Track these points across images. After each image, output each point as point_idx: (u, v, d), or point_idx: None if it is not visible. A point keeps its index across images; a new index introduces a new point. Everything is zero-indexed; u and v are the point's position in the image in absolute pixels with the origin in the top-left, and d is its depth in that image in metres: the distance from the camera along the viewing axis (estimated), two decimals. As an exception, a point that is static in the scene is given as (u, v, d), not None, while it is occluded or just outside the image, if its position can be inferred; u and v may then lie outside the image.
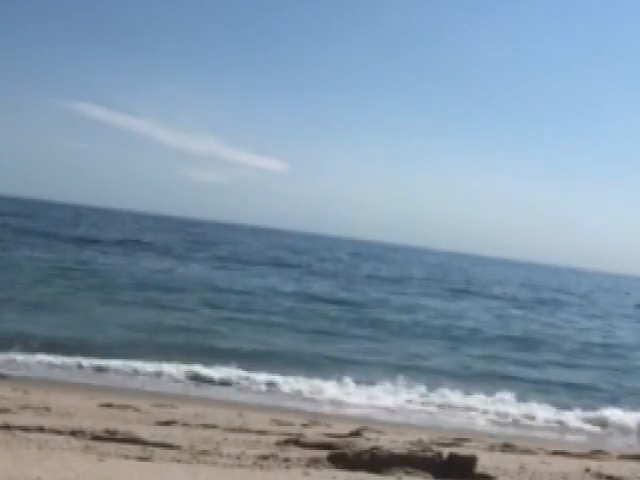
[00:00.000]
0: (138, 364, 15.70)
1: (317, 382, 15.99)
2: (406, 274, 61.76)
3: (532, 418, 15.62)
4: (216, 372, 15.91)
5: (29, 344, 15.75)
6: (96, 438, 6.47)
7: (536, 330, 32.40)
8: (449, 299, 42.75)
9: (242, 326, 23.02)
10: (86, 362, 15.33)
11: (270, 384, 15.62)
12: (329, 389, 15.75)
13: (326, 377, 16.32)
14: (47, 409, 9.10)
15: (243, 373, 16.01)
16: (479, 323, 32.13)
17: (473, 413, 15.52)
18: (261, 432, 8.48)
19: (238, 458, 6.07)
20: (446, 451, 6.09)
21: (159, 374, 15.44)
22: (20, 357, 15.10)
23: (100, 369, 15.23)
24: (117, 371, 15.28)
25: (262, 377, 15.88)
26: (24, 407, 9.04)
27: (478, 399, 16.24)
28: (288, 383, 15.73)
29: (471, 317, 34.37)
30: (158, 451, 6.10)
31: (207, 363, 16.22)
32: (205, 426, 8.66)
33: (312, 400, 15.04)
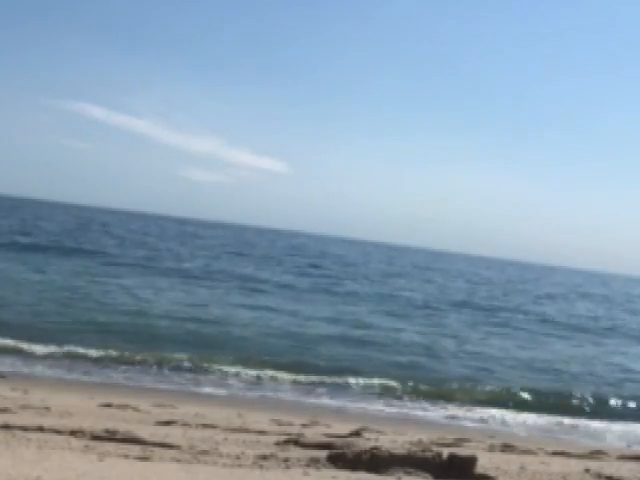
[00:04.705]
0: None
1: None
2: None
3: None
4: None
5: None
6: (96, 438, 6.46)
7: None
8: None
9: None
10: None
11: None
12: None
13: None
14: (47, 409, 9.10)
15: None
16: None
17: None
18: (261, 432, 8.48)
19: (238, 458, 6.06)
20: (446, 451, 6.08)
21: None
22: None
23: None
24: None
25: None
26: (24, 407, 9.03)
27: None
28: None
29: None
30: (158, 451, 6.09)
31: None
32: (205, 426, 8.65)
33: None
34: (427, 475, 5.63)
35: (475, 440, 10.18)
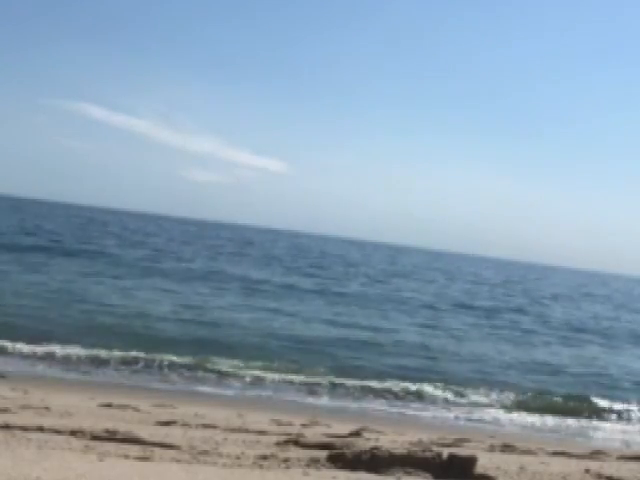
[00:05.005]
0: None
1: None
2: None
3: None
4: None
5: None
6: (96, 438, 6.46)
7: None
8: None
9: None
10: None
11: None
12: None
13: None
14: (47, 409, 9.10)
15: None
16: None
17: None
18: (261, 432, 8.47)
19: (238, 458, 6.06)
20: (446, 451, 6.08)
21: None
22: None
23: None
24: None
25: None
26: (24, 407, 9.03)
27: None
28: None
29: None
30: (158, 451, 6.09)
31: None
32: (205, 426, 8.65)
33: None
34: (427, 475, 5.62)
35: (475, 440, 10.17)
